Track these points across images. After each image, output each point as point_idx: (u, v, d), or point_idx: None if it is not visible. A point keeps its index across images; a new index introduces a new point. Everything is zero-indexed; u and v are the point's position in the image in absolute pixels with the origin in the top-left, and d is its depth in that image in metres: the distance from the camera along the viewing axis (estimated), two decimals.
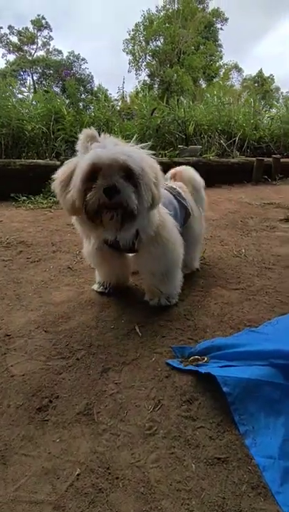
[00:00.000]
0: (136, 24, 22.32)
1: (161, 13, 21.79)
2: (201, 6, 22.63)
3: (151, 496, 0.57)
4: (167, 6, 21.36)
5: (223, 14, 23.05)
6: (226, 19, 23.24)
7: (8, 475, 0.61)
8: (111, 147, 0.90)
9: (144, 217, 0.98)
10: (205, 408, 0.75)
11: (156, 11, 21.92)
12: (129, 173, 0.89)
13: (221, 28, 23.35)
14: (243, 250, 1.75)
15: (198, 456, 0.65)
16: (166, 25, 21.17)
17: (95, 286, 1.32)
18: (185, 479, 0.60)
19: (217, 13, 23.01)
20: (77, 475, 0.61)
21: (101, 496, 0.57)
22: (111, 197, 0.87)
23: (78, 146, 0.97)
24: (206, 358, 0.88)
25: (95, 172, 0.87)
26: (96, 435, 0.69)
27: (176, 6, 21.31)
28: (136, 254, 1.13)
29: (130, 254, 1.20)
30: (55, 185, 0.98)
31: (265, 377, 0.76)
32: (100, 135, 0.96)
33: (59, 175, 0.98)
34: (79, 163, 0.90)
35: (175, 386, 0.82)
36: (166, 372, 0.87)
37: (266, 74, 24.23)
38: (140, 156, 0.93)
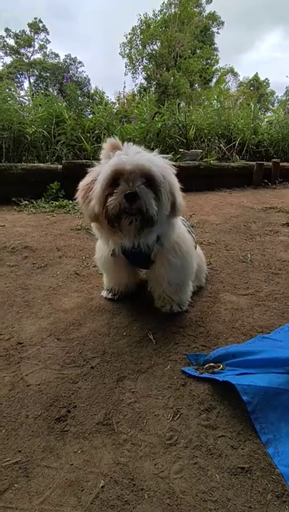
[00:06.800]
0: (133, 28, 22.50)
1: (158, 17, 21.97)
2: (198, 10, 22.88)
3: (178, 508, 0.57)
4: (164, 10, 21.56)
5: (219, 18, 23.33)
6: (222, 23, 23.52)
7: (31, 488, 0.60)
8: (133, 154, 0.92)
9: (162, 224, 0.99)
10: (224, 417, 0.76)
11: (153, 14, 22.12)
12: (150, 180, 0.90)
13: (218, 32, 23.63)
14: (249, 255, 1.76)
15: (221, 465, 0.65)
16: (163, 28, 21.34)
17: (104, 293, 1.32)
18: (210, 489, 0.60)
19: (213, 17, 23.26)
20: (102, 487, 0.61)
21: (127, 508, 0.57)
22: (132, 202, 0.88)
23: (102, 155, 0.99)
24: (221, 366, 0.89)
25: (116, 178, 0.90)
26: (117, 445, 0.69)
27: (173, 10, 21.51)
28: (153, 263, 1.13)
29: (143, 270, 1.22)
30: (78, 192, 1.00)
31: (283, 385, 0.77)
32: (104, 139, 0.98)
33: (82, 182, 1.00)
34: (102, 169, 0.92)
35: (192, 395, 0.82)
36: (182, 380, 0.87)
37: (261, 78, 24.59)
38: (162, 165, 0.95)
